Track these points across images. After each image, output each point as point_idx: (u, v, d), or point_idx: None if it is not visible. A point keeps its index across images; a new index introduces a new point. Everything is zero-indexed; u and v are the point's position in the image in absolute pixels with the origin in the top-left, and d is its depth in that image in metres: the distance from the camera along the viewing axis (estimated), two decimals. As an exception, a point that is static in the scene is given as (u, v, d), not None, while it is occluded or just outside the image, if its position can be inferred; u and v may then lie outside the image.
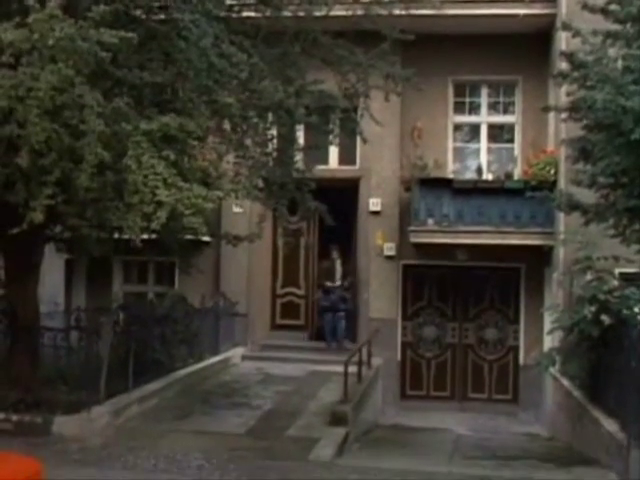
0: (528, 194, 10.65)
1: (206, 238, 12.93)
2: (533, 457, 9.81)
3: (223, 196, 6.69)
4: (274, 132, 9.36)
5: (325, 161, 13.95)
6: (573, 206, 8.91)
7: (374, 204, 13.79)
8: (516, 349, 13.92)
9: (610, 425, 8.42)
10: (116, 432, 8.69)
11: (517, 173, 13.37)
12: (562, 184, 11.54)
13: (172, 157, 6.39)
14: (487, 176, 13.40)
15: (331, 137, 9.54)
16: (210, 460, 7.81)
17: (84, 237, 7.84)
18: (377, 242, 13.71)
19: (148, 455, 7.90)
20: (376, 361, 12.72)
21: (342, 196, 12.81)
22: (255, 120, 8.52)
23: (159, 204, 6.14)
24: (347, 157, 14.10)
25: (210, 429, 9.11)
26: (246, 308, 14.05)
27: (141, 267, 14.92)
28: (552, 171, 12.34)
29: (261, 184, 9.15)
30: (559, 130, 11.76)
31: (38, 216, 6.10)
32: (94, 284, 14.27)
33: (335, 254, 14.17)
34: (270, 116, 8.67)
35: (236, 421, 9.50)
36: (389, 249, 13.74)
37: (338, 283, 13.99)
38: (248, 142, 8.53)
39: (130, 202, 6.56)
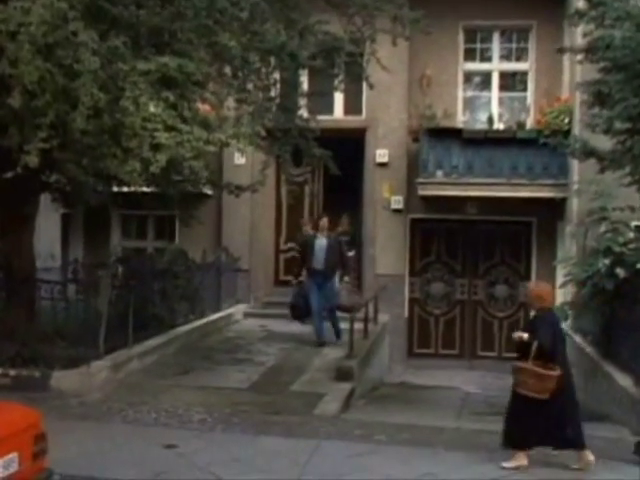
0: (541, 141, 10.55)
1: (207, 191, 13.01)
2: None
3: (225, 139, 6.61)
4: (277, 77, 9.26)
5: (330, 111, 13.87)
6: (588, 153, 8.82)
7: (381, 155, 13.71)
8: (527, 306, 13.94)
9: (624, 380, 8.45)
10: (116, 387, 8.77)
11: (530, 122, 13.26)
12: (577, 131, 11.42)
13: (172, 99, 6.31)
14: (498, 126, 13.29)
15: (336, 82, 9.42)
16: (212, 414, 7.88)
17: (80, 185, 7.79)
18: (384, 195, 13.67)
19: (149, 410, 8.00)
20: (383, 318, 12.77)
21: (347, 148, 12.71)
22: (257, 64, 8.41)
23: (158, 147, 6.08)
24: (353, 107, 14.00)
25: (212, 384, 9.18)
26: (248, 264, 14.08)
27: (140, 221, 14.91)
28: (566, 120, 12.22)
29: (264, 133, 9.08)
30: (574, 76, 11.62)
31: (33, 159, 6.05)
32: (91, 239, 14.29)
33: (345, 222, 13.63)
34: (272, 60, 8.56)
35: (239, 377, 9.57)
36: (396, 202, 13.70)
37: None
38: (250, 87, 8.42)
39: (128, 147, 6.51)
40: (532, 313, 7.07)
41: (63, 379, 8.39)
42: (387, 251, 13.84)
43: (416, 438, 7.39)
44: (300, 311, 11.52)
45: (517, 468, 6.50)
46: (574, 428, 6.58)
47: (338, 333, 11.22)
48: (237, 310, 13.79)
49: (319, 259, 11.00)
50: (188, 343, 11.13)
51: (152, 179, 9.01)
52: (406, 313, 14.09)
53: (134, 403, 8.20)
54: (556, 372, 6.39)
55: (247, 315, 13.83)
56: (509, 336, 13.97)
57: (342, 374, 9.38)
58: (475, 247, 14.08)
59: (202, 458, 6.48)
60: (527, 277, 13.90)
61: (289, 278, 12.22)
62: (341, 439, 7.19)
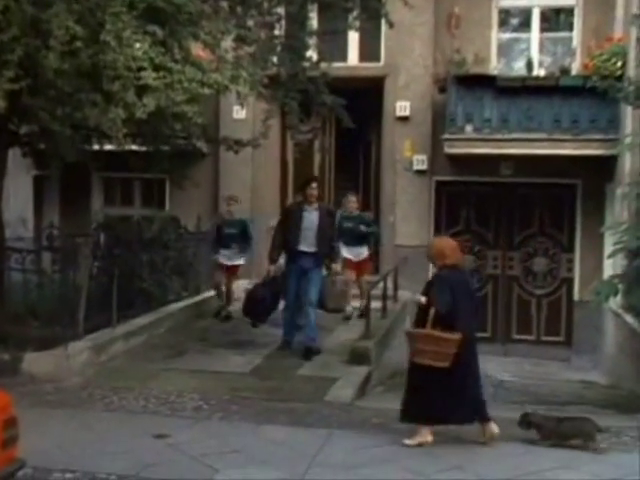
0: (589, 85, 10.41)
1: (202, 148, 12.94)
2: (589, 403, 9.89)
3: (222, 81, 6.53)
4: (281, 12, 9.16)
5: (343, 57, 13.78)
6: (644, 97, 8.71)
7: (402, 108, 13.60)
8: (570, 282, 13.87)
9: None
10: (98, 371, 8.83)
11: (575, 68, 13.10)
12: (631, 73, 11.24)
13: (159, 34, 6.23)
14: (538, 72, 13.13)
15: (350, 19, 9.32)
16: (209, 401, 7.95)
17: (55, 139, 7.74)
18: (405, 154, 13.60)
19: (136, 396, 8.07)
20: (404, 295, 12.71)
21: (363, 99, 12.64)
22: (258, -4, 8.33)
23: (145, 90, 6.02)
24: (370, 52, 13.89)
25: (208, 368, 9.26)
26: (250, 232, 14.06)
27: (125, 185, 14.92)
28: (618, 63, 12.05)
29: (266, 79, 9.00)
30: (629, 9, 11.45)
31: (-1, 103, 6.00)
32: (69, 206, 14.28)
33: (352, 200, 11.92)
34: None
35: (239, 360, 9.64)
36: (419, 162, 13.63)
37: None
38: (250, 24, 8.34)
39: (109, 90, 6.45)
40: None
41: (36, 362, 8.42)
42: (408, 219, 13.78)
43: (441, 428, 7.36)
44: (264, 309, 10.14)
45: (420, 445, 6.71)
46: (476, 400, 6.82)
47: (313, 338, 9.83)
48: (237, 286, 13.72)
49: (308, 238, 9.59)
50: (181, 323, 11.18)
51: (138, 132, 9.01)
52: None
53: (119, 389, 8.26)
54: (456, 336, 6.51)
55: None
56: (550, 317, 14.04)
57: (357, 356, 9.38)
58: (510, 214, 14.00)
59: (196, 449, 6.51)
60: (570, 248, 13.83)
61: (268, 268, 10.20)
62: (355, 429, 7.23)
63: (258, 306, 10.14)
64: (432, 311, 6.54)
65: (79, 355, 8.73)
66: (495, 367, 12.72)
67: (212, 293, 12.47)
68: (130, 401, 7.91)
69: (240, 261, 12.11)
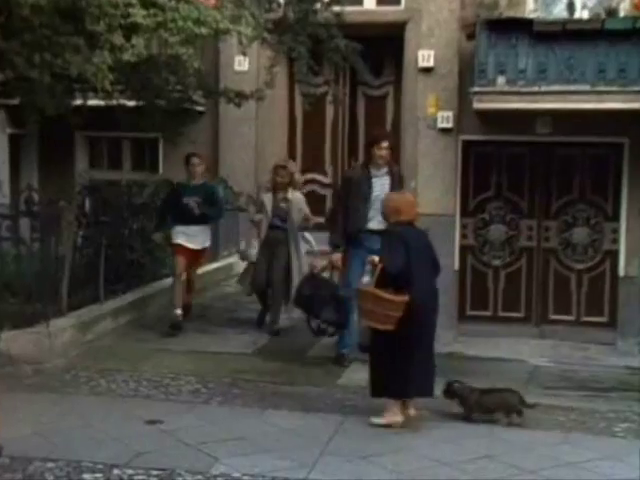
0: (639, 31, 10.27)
1: (199, 105, 12.89)
2: (636, 390, 9.85)
3: (221, 20, 6.46)
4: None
5: (359, 0, 13.63)
6: None
7: (425, 58, 13.45)
8: (614, 255, 13.76)
9: None
10: (83, 352, 8.90)
11: (624, 8, 12.91)
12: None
13: (149, -34, 6.16)
14: (581, 14, 12.96)
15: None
16: (207, 384, 8.04)
17: (33, 86, 7.69)
18: (428, 110, 13.46)
19: (126, 379, 8.14)
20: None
21: (381, 48, 12.57)
22: None
23: (133, 30, 5.96)
24: (388, -7, 13.80)
25: (207, 349, 9.35)
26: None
27: (113, 146, 14.89)
28: (676, 2, 11.90)
29: (271, 25, 8.92)
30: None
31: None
32: (49, 168, 14.23)
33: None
34: None
35: (242, 340, 9.74)
36: (445, 120, 13.50)
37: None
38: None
39: (94, 31, 6.39)
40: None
41: (14, 341, 8.42)
42: (432, 184, 13.68)
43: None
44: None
45: (388, 425, 6.85)
46: (426, 373, 6.98)
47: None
48: (239, 260, 13.81)
49: (378, 212, 7.97)
50: None
51: (126, 83, 8.96)
52: (456, 265, 13.93)
53: (107, 371, 8.34)
54: (401, 298, 6.61)
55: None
56: (591, 294, 13.96)
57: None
58: (547, 178, 13.86)
59: (194, 436, 6.56)
60: (615, 217, 13.70)
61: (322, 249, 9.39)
62: (372, 414, 7.22)
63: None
64: (379, 270, 6.69)
65: (62, 334, 8.77)
66: (529, 351, 12.67)
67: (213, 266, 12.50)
68: (119, 384, 7.98)
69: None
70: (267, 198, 10.15)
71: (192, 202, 10.13)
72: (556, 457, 6.44)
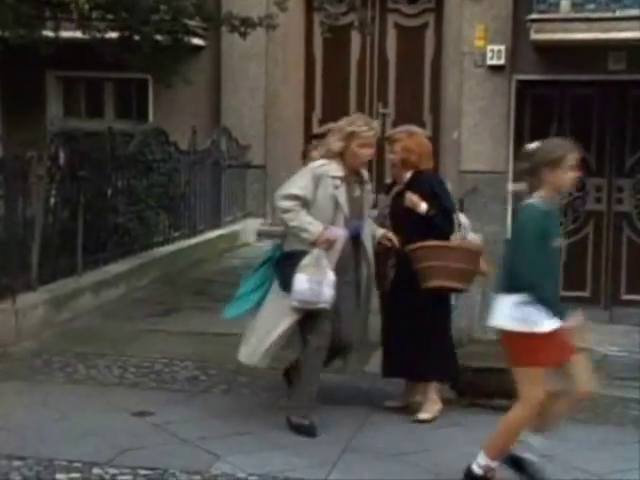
0: None
1: (198, 39, 12.84)
2: None
3: None
4: None
5: None
6: None
7: (471, -20, 13.45)
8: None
9: None
10: (58, 333, 8.96)
11: None
12: None
13: None
14: None
15: None
16: (208, 371, 8.10)
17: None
18: (476, 44, 13.43)
19: (109, 364, 8.19)
20: (471, 239, 12.66)
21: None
22: None
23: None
24: None
25: (208, 330, 9.34)
26: (264, 156, 14.15)
27: (92, 89, 14.98)
28: None
29: None
30: None
31: None
32: (15, 115, 14.21)
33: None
34: None
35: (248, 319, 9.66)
36: (495, 55, 13.46)
37: None
38: None
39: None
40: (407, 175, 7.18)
41: (-26, 320, 8.49)
42: (479, 134, 13.68)
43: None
44: None
45: (433, 419, 6.99)
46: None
47: None
48: (246, 227, 13.94)
49: None
50: (171, 272, 11.36)
51: (109, 9, 8.93)
52: (509, 233, 13.94)
53: (86, 355, 8.37)
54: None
55: (262, 235, 13.87)
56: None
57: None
58: (620, 127, 13.81)
59: (190, 430, 6.58)
60: None
61: None
62: (404, 407, 7.27)
63: None
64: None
65: (32, 311, 8.82)
66: (597, 338, 12.62)
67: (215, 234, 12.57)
68: (101, 370, 8.01)
69: None
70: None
71: None
72: (629, 458, 6.40)
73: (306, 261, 6.52)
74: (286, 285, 6.59)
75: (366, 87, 14.71)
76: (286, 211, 6.61)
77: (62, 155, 9.88)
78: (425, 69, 14.73)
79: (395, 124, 14.64)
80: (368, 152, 6.76)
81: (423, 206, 6.93)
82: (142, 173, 11.17)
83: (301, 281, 6.50)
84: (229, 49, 13.13)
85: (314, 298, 6.52)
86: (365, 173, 6.96)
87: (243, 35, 10.10)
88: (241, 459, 6.07)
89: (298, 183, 6.67)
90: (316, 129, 14.83)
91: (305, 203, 6.59)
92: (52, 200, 9.68)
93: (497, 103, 13.61)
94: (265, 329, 6.77)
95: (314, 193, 6.60)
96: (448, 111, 13.94)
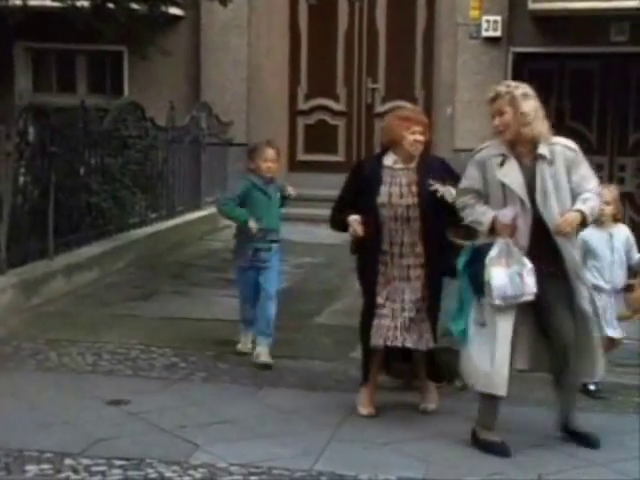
0: None
1: (176, 8, 12.78)
2: None
3: None
4: None
5: None
6: None
7: (465, -57, 13.44)
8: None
9: None
10: (28, 318, 8.94)
11: None
12: None
13: None
14: None
15: None
16: (187, 358, 8.08)
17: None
18: (470, 14, 13.40)
19: (82, 351, 8.19)
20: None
21: None
22: None
23: None
24: None
25: (187, 314, 9.41)
26: (246, 133, 14.18)
27: (64, 62, 14.94)
28: None
29: None
30: None
31: None
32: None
33: None
34: None
35: (230, 304, 9.59)
36: (491, 26, 13.45)
37: None
38: None
39: None
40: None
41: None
42: (474, 111, 13.66)
43: (520, 394, 7.24)
44: None
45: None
46: None
47: None
48: (229, 208, 13.89)
49: None
50: (148, 255, 11.37)
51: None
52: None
53: (58, 342, 8.36)
54: None
55: None
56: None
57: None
58: (623, 102, 13.81)
59: (169, 418, 6.59)
60: None
61: None
62: (393, 392, 7.28)
63: None
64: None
65: (0, 296, 8.77)
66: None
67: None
68: (74, 358, 8.00)
69: None
70: None
71: None
72: (632, 446, 6.39)
73: (494, 253, 6.18)
74: (479, 287, 6.26)
75: (354, 60, 14.74)
76: (461, 209, 6.43)
77: (32, 131, 9.81)
78: (417, 41, 14.73)
79: (385, 100, 14.71)
80: None
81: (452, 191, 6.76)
82: (117, 150, 11.12)
83: (499, 275, 6.16)
84: (209, 20, 13.10)
85: (517, 291, 6.20)
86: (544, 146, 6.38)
87: (223, 3, 10.03)
88: (222, 448, 6.06)
89: (465, 174, 6.49)
90: (302, 105, 14.81)
91: (479, 194, 6.36)
92: (21, 179, 9.62)
93: (493, 77, 13.52)
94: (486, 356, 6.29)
95: (483, 180, 6.34)
96: (441, 86, 13.93)
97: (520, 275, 6.17)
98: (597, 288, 7.42)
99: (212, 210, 13.45)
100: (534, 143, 6.27)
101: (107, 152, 10.99)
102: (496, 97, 6.38)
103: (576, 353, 6.36)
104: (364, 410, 6.82)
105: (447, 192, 6.85)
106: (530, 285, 6.18)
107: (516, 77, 13.73)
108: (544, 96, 13.44)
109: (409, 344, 6.79)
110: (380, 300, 6.79)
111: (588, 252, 7.52)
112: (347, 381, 7.55)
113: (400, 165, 6.81)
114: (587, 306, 6.36)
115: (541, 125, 6.30)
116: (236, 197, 8.00)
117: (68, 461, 5.79)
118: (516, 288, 6.18)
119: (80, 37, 11.26)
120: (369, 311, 6.85)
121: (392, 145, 6.85)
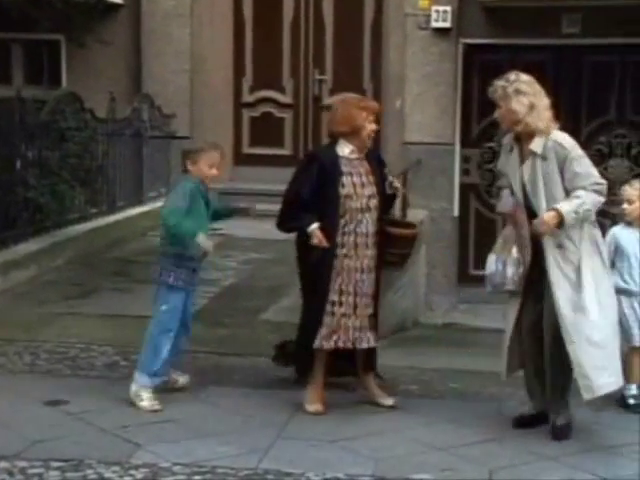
0: None
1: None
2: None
3: None
4: None
5: None
6: None
7: None
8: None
9: None
10: (-41, 317, 8.95)
11: None
12: None
13: None
14: None
15: None
16: (128, 356, 8.03)
17: None
18: (419, 4, 13.38)
19: (19, 350, 8.15)
20: (416, 216, 12.63)
21: None
22: None
23: None
24: None
25: (129, 312, 9.36)
26: (189, 126, 14.13)
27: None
28: None
29: None
30: None
31: None
32: None
33: None
34: None
35: (175, 300, 9.70)
36: (441, 17, 13.41)
37: None
38: None
39: None
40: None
41: None
42: (423, 104, 13.64)
43: (470, 389, 7.61)
44: None
45: None
46: None
47: None
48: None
49: None
50: (88, 252, 11.30)
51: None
52: (456, 210, 13.95)
53: (-8, 340, 8.38)
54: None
55: None
56: None
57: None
58: (576, 94, 13.84)
59: (109, 419, 6.59)
60: (664, 145, 13.76)
61: None
62: (343, 391, 7.30)
63: None
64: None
65: None
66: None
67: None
68: (10, 357, 7.97)
69: None
70: None
71: None
72: (585, 440, 6.51)
73: (498, 241, 6.64)
74: None
75: (301, 51, 14.69)
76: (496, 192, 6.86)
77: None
78: (365, 32, 14.73)
79: (333, 92, 14.72)
80: None
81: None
82: (55, 143, 11.05)
83: (490, 262, 6.56)
84: (150, 8, 13.03)
85: (500, 279, 6.49)
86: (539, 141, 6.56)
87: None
88: (164, 448, 6.07)
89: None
90: (247, 97, 14.79)
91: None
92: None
93: (443, 69, 13.56)
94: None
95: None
96: (390, 78, 13.92)
97: (504, 264, 6.44)
98: (626, 292, 7.31)
99: (154, 205, 13.43)
100: (533, 137, 6.50)
101: (45, 145, 10.91)
102: (493, 90, 6.70)
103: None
104: (311, 407, 6.85)
105: (395, 182, 7.03)
106: (509, 276, 6.43)
107: (467, 69, 13.79)
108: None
109: (365, 344, 6.92)
110: (334, 297, 6.83)
111: (617, 252, 7.39)
112: (294, 379, 7.45)
113: (356, 155, 6.91)
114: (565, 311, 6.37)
115: (538, 120, 6.52)
116: (184, 206, 6.84)
117: (3, 464, 5.76)
118: (499, 276, 6.48)
119: (15, 25, 11.19)
120: (319, 309, 6.85)
121: (349, 135, 6.91)
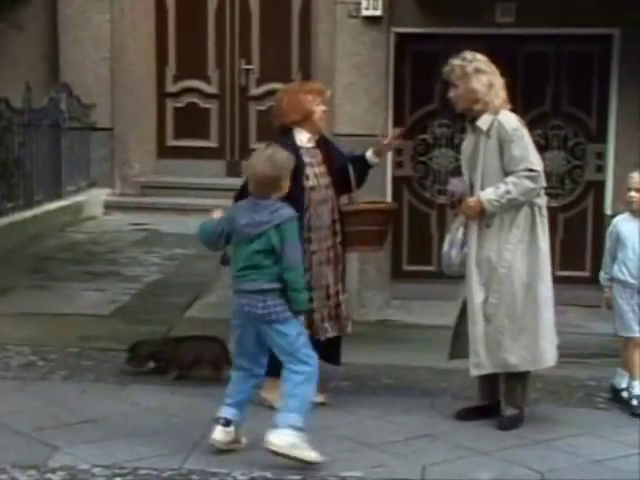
0: None
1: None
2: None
3: None
4: None
5: None
6: None
7: None
8: (600, 187, 13.87)
9: None
10: None
11: None
12: None
13: None
14: None
15: None
16: (46, 356, 8.08)
17: None
18: (349, -8, 13.43)
19: None
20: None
21: None
22: None
23: None
24: None
25: (47, 310, 9.41)
26: (110, 117, 14.16)
27: None
28: None
29: None
30: None
31: None
32: None
33: None
34: None
35: (95, 298, 9.84)
36: (371, 4, 13.41)
37: None
38: None
39: None
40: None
41: None
42: (354, 94, 13.61)
43: (403, 384, 7.71)
44: None
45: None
46: None
47: None
48: (93, 198, 13.96)
49: None
50: (4, 248, 11.30)
51: None
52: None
53: None
54: None
55: (110, 207, 14.08)
56: (568, 240, 13.99)
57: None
58: (509, 84, 13.88)
59: (25, 420, 6.58)
60: (601, 137, 13.86)
61: None
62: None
63: None
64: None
65: None
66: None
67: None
68: None
69: None
70: None
71: None
72: (519, 435, 6.57)
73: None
74: None
75: (226, 40, 14.73)
76: None
77: None
78: (293, 20, 14.79)
79: (260, 82, 14.73)
80: None
81: None
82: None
83: (444, 244, 6.80)
84: (66, -5, 13.01)
85: (447, 260, 6.71)
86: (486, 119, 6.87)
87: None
88: (83, 450, 6.05)
89: None
90: (170, 87, 14.75)
91: None
92: None
93: (374, 59, 13.55)
94: None
95: None
96: (319, 68, 13.92)
97: (450, 245, 6.65)
98: (624, 283, 7.33)
99: (74, 199, 13.46)
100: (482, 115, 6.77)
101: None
102: (450, 70, 6.99)
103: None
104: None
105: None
106: (452, 257, 6.62)
107: (399, 60, 13.82)
108: (429, 79, 13.72)
109: (332, 333, 6.99)
110: None
111: (618, 243, 7.40)
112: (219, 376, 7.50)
113: (312, 144, 6.93)
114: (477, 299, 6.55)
115: (495, 98, 6.96)
116: None
117: None
118: (446, 257, 6.72)
119: None
120: None
121: (301, 122, 6.90)
